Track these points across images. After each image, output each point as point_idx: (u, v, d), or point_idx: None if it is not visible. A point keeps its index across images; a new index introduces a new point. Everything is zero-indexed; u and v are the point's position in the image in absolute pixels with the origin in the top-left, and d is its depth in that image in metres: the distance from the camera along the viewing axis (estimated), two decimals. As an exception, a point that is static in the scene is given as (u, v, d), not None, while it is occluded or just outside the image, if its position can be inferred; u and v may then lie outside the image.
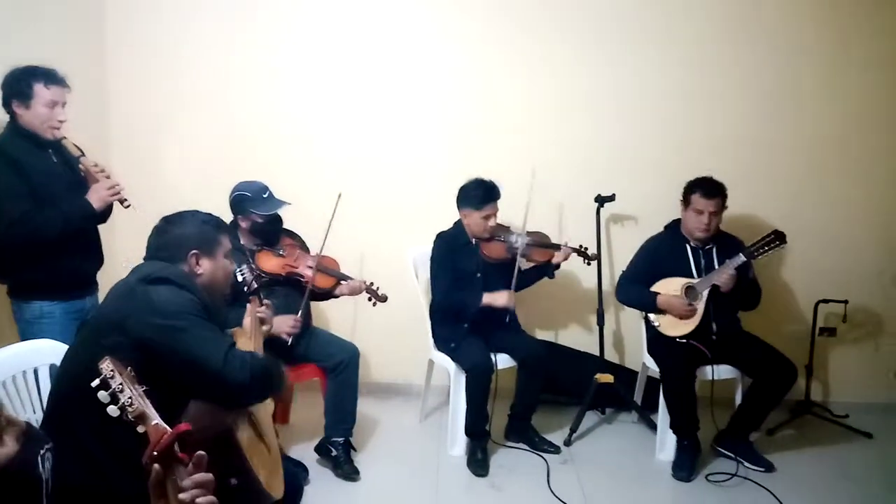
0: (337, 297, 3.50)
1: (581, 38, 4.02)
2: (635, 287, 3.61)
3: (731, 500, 3.19)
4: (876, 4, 3.91)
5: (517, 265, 3.56)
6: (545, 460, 3.49)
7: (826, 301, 3.97)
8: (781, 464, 3.45)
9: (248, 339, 2.36)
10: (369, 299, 3.50)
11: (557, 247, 3.66)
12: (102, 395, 1.42)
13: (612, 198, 3.92)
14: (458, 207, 3.62)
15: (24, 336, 2.76)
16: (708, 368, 3.45)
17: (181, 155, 4.10)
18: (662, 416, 3.51)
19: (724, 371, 3.50)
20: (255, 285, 2.55)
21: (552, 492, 3.22)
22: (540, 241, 3.67)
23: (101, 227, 3.04)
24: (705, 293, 3.43)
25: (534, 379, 3.60)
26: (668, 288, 3.51)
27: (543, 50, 4.02)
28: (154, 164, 4.08)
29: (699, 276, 3.51)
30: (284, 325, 3.18)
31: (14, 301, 2.85)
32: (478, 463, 3.43)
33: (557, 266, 3.67)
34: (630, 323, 4.16)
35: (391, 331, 4.06)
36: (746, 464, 3.40)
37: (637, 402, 3.94)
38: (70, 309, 2.85)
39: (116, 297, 2.05)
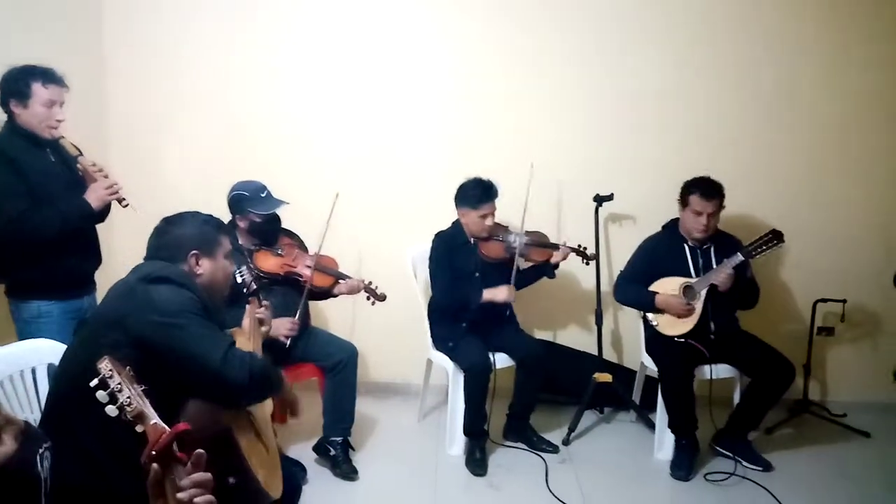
0: (335, 296, 3.50)
1: (580, 38, 4.02)
2: (633, 287, 3.62)
3: (730, 500, 3.19)
4: (875, 5, 3.91)
5: (516, 263, 3.56)
6: (543, 460, 3.49)
7: (824, 300, 3.97)
8: (780, 463, 3.45)
9: (246, 340, 2.36)
10: (368, 298, 3.50)
11: (556, 246, 3.66)
12: (101, 395, 1.42)
13: (610, 197, 3.92)
14: (456, 207, 3.62)
15: (22, 335, 2.76)
16: (706, 368, 3.45)
17: (180, 155, 4.10)
18: (661, 416, 3.52)
19: (722, 370, 3.50)
20: (255, 286, 2.55)
21: (550, 491, 3.22)
22: (538, 241, 3.67)
23: (99, 227, 3.03)
24: (703, 292, 3.43)
25: (532, 378, 3.61)
26: (667, 287, 3.52)
27: (543, 50, 4.02)
28: (153, 163, 4.09)
29: (697, 275, 3.51)
30: (282, 327, 3.18)
31: (12, 300, 2.85)
32: (476, 462, 3.43)
33: (556, 266, 3.67)
34: (628, 322, 4.17)
35: (389, 330, 4.06)
36: (745, 463, 3.41)
37: (635, 402, 3.95)
38: (68, 308, 2.85)
39: (116, 297, 2.05)
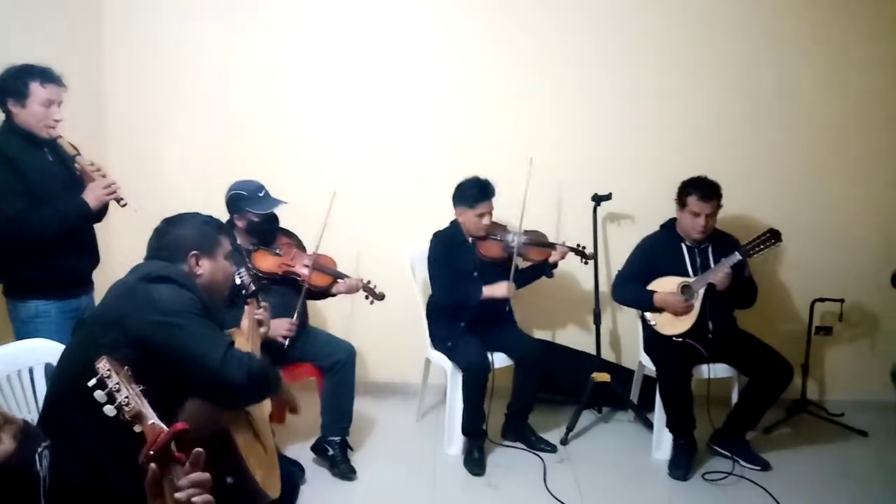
0: (334, 295, 3.50)
1: (580, 38, 4.02)
2: (631, 286, 3.62)
3: (728, 499, 3.19)
4: (875, 4, 3.92)
5: (514, 261, 3.56)
6: (542, 459, 3.50)
7: (822, 300, 3.97)
8: (777, 462, 3.45)
9: (245, 341, 2.37)
10: (366, 297, 3.50)
11: (554, 245, 3.66)
12: (99, 395, 1.42)
13: (608, 197, 3.92)
14: (454, 206, 3.63)
15: (20, 335, 2.76)
16: (704, 367, 3.45)
17: (179, 154, 4.10)
18: (659, 415, 3.52)
19: (720, 370, 3.51)
20: (253, 288, 2.55)
21: (549, 491, 3.22)
22: (537, 240, 3.67)
23: (97, 226, 3.03)
24: (701, 292, 3.43)
25: (530, 378, 3.61)
26: (664, 287, 3.52)
27: (542, 50, 4.03)
28: (152, 163, 4.09)
29: (695, 274, 3.51)
30: (281, 328, 3.18)
31: (9, 300, 2.85)
32: (474, 462, 3.43)
33: (555, 265, 3.67)
34: (627, 322, 4.17)
35: (388, 330, 4.06)
36: (743, 462, 3.41)
37: (633, 401, 3.95)
38: (66, 308, 2.84)
39: (116, 296, 2.06)
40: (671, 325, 3.49)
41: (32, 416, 2.13)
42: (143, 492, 1.37)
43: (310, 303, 3.54)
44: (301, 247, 3.51)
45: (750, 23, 3.96)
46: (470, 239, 3.62)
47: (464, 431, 3.52)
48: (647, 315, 3.57)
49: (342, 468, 3.30)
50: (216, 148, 4.06)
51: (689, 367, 3.41)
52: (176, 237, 2.17)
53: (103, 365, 1.45)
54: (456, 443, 3.57)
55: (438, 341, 3.65)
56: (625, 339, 4.23)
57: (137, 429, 1.40)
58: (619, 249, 3.99)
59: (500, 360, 3.58)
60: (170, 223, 2.21)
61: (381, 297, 3.51)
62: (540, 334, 4.21)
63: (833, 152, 4.05)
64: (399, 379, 4.24)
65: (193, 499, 1.35)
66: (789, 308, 4.14)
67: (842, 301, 3.93)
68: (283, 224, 3.48)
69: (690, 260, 3.55)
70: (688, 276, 3.52)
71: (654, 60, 4.01)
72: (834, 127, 4.03)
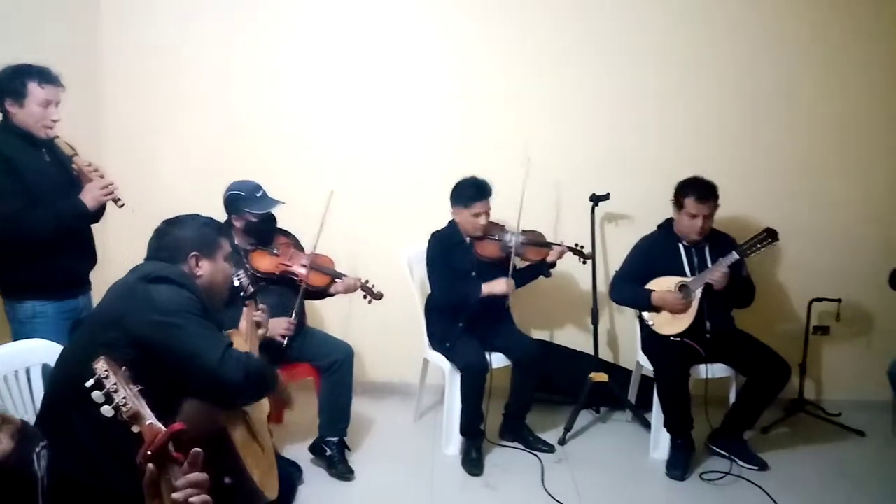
0: (332, 295, 3.50)
1: (579, 39, 4.02)
2: (629, 286, 3.62)
3: (725, 499, 3.20)
4: (875, 4, 3.92)
5: (512, 261, 3.56)
6: (539, 459, 3.50)
7: (820, 300, 3.98)
8: (775, 462, 3.46)
9: (243, 342, 2.37)
10: (364, 297, 3.50)
11: (552, 245, 3.66)
12: (97, 395, 1.42)
13: (606, 197, 3.93)
14: (451, 206, 3.63)
15: (17, 336, 2.75)
16: (702, 367, 3.46)
17: (178, 155, 4.10)
18: (656, 415, 3.52)
19: (717, 370, 3.51)
20: (252, 290, 2.55)
21: (546, 491, 3.22)
22: (534, 240, 3.67)
23: (94, 227, 3.02)
24: (699, 292, 3.44)
25: (528, 378, 3.61)
26: (662, 287, 3.52)
27: (541, 50, 4.03)
28: (150, 164, 4.08)
29: (692, 274, 3.51)
30: (279, 327, 3.18)
31: (7, 301, 2.84)
32: (472, 462, 3.43)
33: (553, 265, 3.67)
34: (624, 322, 4.17)
35: (386, 330, 4.06)
36: (740, 462, 3.41)
37: (631, 401, 3.95)
38: (63, 309, 2.84)
39: (115, 296, 2.06)
40: (669, 325, 3.49)
41: (30, 417, 2.13)
42: (141, 492, 1.37)
43: (308, 303, 3.54)
44: (299, 247, 3.51)
45: (749, 23, 3.97)
46: (468, 239, 3.62)
47: (462, 431, 3.52)
48: (645, 315, 3.58)
49: (340, 468, 3.30)
50: (214, 148, 4.05)
51: (686, 366, 3.42)
52: (176, 238, 2.17)
53: (101, 365, 1.45)
54: (454, 443, 3.57)
55: (436, 341, 3.65)
56: (622, 339, 4.24)
57: (135, 429, 1.40)
58: (616, 249, 3.99)
59: (498, 360, 3.58)
60: (170, 224, 2.22)
61: (379, 296, 3.51)
62: (538, 334, 4.21)
63: (832, 152, 4.06)
64: (397, 379, 4.24)
65: (191, 499, 1.35)
66: (787, 308, 4.14)
67: (839, 301, 3.95)
68: (282, 224, 3.48)
69: (688, 260, 3.55)
70: (685, 276, 3.52)
71: (652, 60, 4.01)
72: (833, 127, 4.03)
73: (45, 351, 2.27)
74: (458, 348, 3.50)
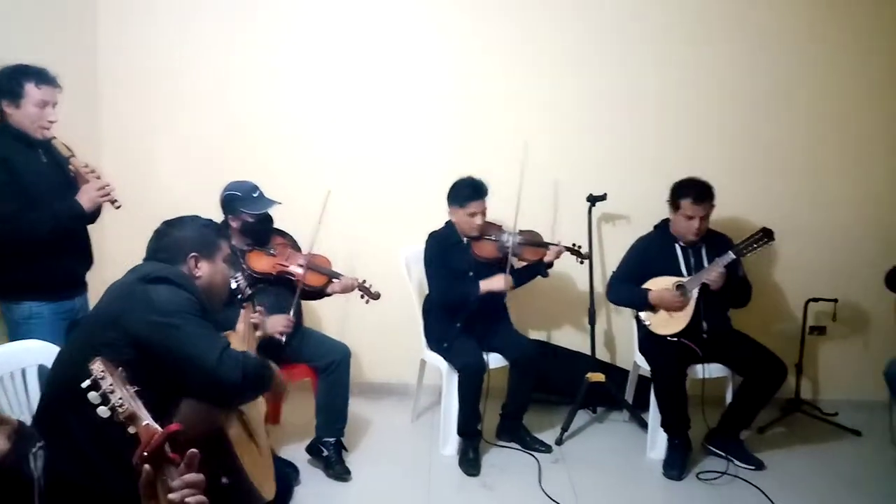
0: (329, 295, 3.50)
1: (577, 39, 4.03)
2: (626, 286, 3.62)
3: (722, 499, 3.20)
4: (874, 4, 3.93)
5: (510, 261, 3.57)
6: (536, 459, 3.50)
7: (816, 300, 3.99)
8: (771, 462, 3.46)
9: (241, 344, 2.37)
10: (362, 297, 3.50)
11: (549, 245, 3.66)
12: (93, 396, 1.42)
13: (603, 197, 3.93)
14: (448, 206, 3.63)
15: (13, 337, 2.75)
16: (699, 367, 3.46)
17: (176, 155, 4.10)
18: (653, 415, 3.52)
19: (714, 370, 3.51)
20: (249, 292, 2.55)
21: (543, 491, 3.22)
22: (531, 240, 3.67)
23: (90, 228, 3.02)
24: (695, 291, 3.44)
25: (526, 378, 3.61)
26: (659, 287, 3.52)
27: (539, 50, 4.04)
28: (148, 164, 4.08)
29: (689, 274, 3.51)
30: (278, 324, 3.18)
31: (3, 302, 2.84)
32: (469, 462, 3.43)
33: (550, 265, 3.67)
34: (621, 322, 4.18)
35: (383, 330, 4.06)
36: (737, 462, 3.42)
37: (628, 401, 3.95)
38: (59, 310, 2.84)
39: (114, 297, 2.06)
40: (666, 325, 3.49)
41: (26, 418, 2.12)
42: (137, 493, 1.37)
43: (305, 303, 3.53)
44: (296, 247, 3.50)
45: (748, 23, 3.98)
46: (465, 239, 3.63)
47: (459, 432, 3.52)
48: (642, 315, 3.58)
49: (337, 469, 3.29)
50: (213, 149, 4.05)
51: (683, 366, 3.42)
52: (176, 239, 2.18)
53: (97, 366, 1.45)
54: (451, 443, 3.57)
55: (434, 342, 3.65)
56: (619, 339, 4.24)
57: (131, 430, 1.40)
58: (613, 250, 3.99)
59: (495, 360, 3.58)
60: (170, 225, 2.23)
61: (376, 296, 3.51)
62: (535, 335, 4.22)
63: (830, 152, 4.07)
64: (394, 380, 4.24)
65: (187, 499, 1.35)
66: (783, 308, 4.15)
67: (836, 301, 3.96)
68: (282, 224, 3.48)
69: (684, 260, 3.56)
70: (682, 276, 3.52)
71: (651, 61, 4.02)
72: (831, 127, 4.05)
73: (41, 352, 2.26)
74: (456, 349, 3.50)
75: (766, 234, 3.38)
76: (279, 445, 3.46)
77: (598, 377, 3.80)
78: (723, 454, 3.45)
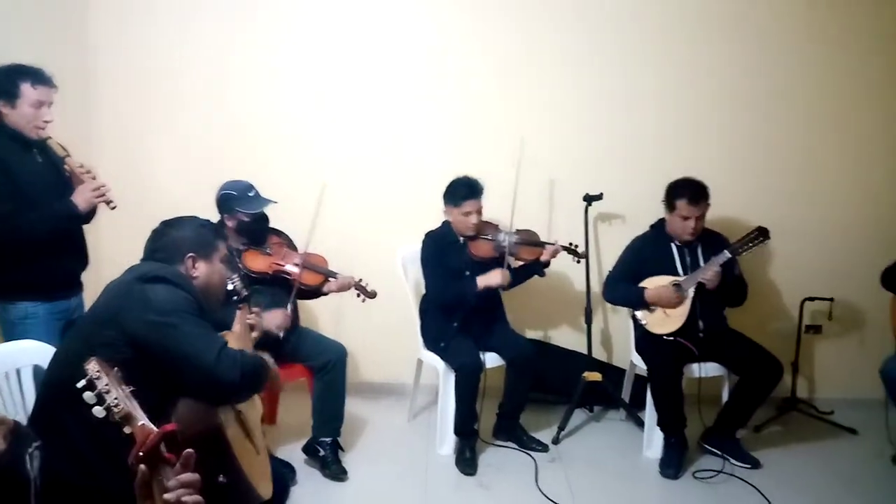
0: (326, 294, 3.49)
1: (574, 38, 4.03)
2: (622, 285, 3.62)
3: (718, 497, 3.21)
4: (874, 4, 3.94)
5: (507, 260, 3.57)
6: (533, 459, 3.50)
7: (812, 299, 4.00)
8: (768, 460, 3.47)
9: (237, 344, 2.36)
10: (358, 295, 3.49)
11: (545, 244, 3.66)
12: (88, 396, 1.42)
13: (599, 196, 3.93)
14: (444, 205, 3.63)
15: (8, 337, 2.75)
16: (695, 366, 3.47)
17: (174, 156, 4.09)
18: (650, 414, 3.53)
19: (710, 369, 3.52)
20: (245, 293, 2.54)
21: (540, 490, 3.23)
22: (528, 239, 3.67)
23: (86, 228, 3.01)
24: (691, 291, 3.45)
25: (522, 378, 3.61)
26: (655, 286, 3.53)
27: (537, 50, 4.04)
28: (145, 165, 4.08)
29: (685, 273, 3.52)
30: (275, 319, 3.17)
31: (-2, 302, 2.84)
32: (466, 462, 3.43)
33: (547, 264, 3.67)
34: (618, 321, 4.18)
35: (380, 330, 4.06)
36: (733, 461, 3.42)
37: (625, 400, 3.96)
38: (54, 310, 2.83)
39: (111, 296, 2.06)
40: (662, 324, 3.50)
41: (21, 419, 2.12)
42: (134, 492, 1.37)
43: (301, 303, 3.53)
44: (292, 246, 3.50)
45: (745, 21, 3.98)
46: (461, 238, 3.62)
47: (456, 431, 3.52)
48: (638, 314, 3.58)
49: (333, 469, 3.29)
50: (209, 149, 4.04)
51: (679, 365, 3.42)
52: (173, 239, 2.18)
53: (93, 366, 1.45)
54: (448, 443, 3.57)
55: (430, 341, 3.65)
56: (616, 338, 4.25)
57: (127, 430, 1.40)
58: (610, 249, 4.00)
59: (492, 359, 3.58)
60: (168, 225, 2.23)
61: (372, 294, 3.51)
62: (532, 334, 4.22)
63: (826, 152, 4.07)
64: (391, 379, 4.24)
65: (184, 499, 1.34)
66: (779, 307, 4.16)
67: (831, 300, 3.96)
68: (283, 224, 3.48)
69: (680, 259, 3.56)
70: (678, 275, 3.53)
71: (648, 61, 4.03)
72: (828, 127, 4.05)
73: (36, 352, 2.26)
74: (453, 348, 3.50)
75: (762, 233, 3.39)
76: (275, 445, 3.46)
77: (594, 376, 3.80)
78: (719, 453, 3.46)
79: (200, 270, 2.18)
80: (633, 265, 3.63)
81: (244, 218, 3.29)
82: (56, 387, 1.97)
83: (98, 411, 1.41)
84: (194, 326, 1.99)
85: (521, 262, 3.70)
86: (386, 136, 4.12)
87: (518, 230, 3.65)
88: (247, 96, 4.09)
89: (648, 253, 3.62)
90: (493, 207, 3.64)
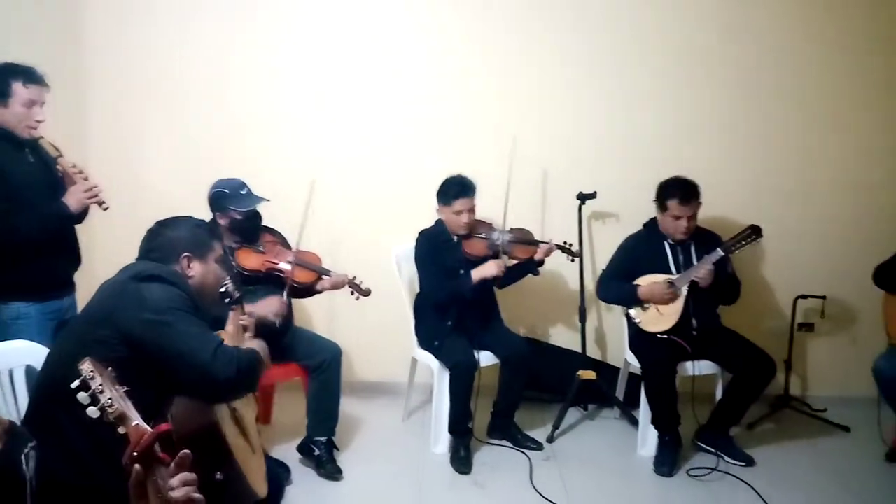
0: (320, 292, 3.48)
1: (568, 38, 4.04)
2: (615, 283, 3.63)
3: (712, 495, 3.22)
4: (870, 6, 3.95)
5: (501, 258, 3.56)
6: (528, 457, 3.50)
7: (805, 297, 4.02)
8: (761, 458, 3.48)
9: (230, 344, 2.35)
10: (352, 293, 3.49)
11: (539, 243, 3.66)
12: (82, 397, 1.41)
13: (593, 195, 3.94)
14: (437, 204, 3.63)
15: (1, 337, 2.72)
16: (688, 364, 3.48)
17: (168, 156, 4.08)
18: (644, 412, 3.54)
19: (704, 367, 3.53)
20: (238, 295, 2.54)
21: (535, 488, 3.23)
22: (522, 238, 3.67)
23: (78, 228, 3.00)
24: (685, 289, 3.45)
25: (517, 376, 3.61)
26: (648, 283, 3.53)
27: (531, 49, 4.05)
28: (140, 165, 4.07)
29: (678, 272, 3.52)
30: (271, 306, 3.15)
31: (-10, 302, 2.82)
32: (461, 460, 3.43)
33: (541, 263, 3.67)
34: (612, 320, 4.19)
35: (374, 329, 4.06)
36: (727, 458, 3.44)
37: (619, 399, 3.96)
38: (46, 310, 2.82)
39: (106, 295, 2.06)
40: (656, 323, 3.51)
41: (13, 419, 2.11)
42: (130, 491, 1.37)
43: (295, 303, 3.52)
44: (285, 244, 3.49)
45: (741, 21, 3.99)
46: (455, 237, 3.62)
47: (450, 430, 3.52)
48: (632, 312, 3.59)
49: (328, 468, 3.29)
50: (206, 149, 4.03)
51: (673, 364, 3.43)
52: (169, 239, 2.18)
53: (86, 366, 1.44)
54: (442, 441, 3.57)
55: (425, 340, 3.65)
56: (610, 336, 4.25)
57: (121, 431, 1.40)
58: (604, 248, 4.00)
59: (486, 358, 3.58)
60: (163, 225, 2.23)
61: (367, 292, 3.50)
62: (526, 332, 4.22)
63: (818, 151, 4.09)
64: (385, 378, 4.23)
65: (193, 495, 1.34)
66: (772, 305, 4.17)
67: (824, 298, 3.98)
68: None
69: (673, 258, 3.57)
70: (671, 273, 3.53)
71: (642, 60, 4.03)
72: (821, 127, 4.07)
73: (28, 352, 2.25)
74: (447, 347, 3.50)
75: (754, 231, 3.40)
76: (270, 445, 3.45)
77: (588, 375, 3.80)
78: (713, 450, 3.47)
79: (195, 270, 2.18)
80: (626, 264, 3.64)
81: (237, 216, 3.28)
82: (50, 387, 1.96)
83: (92, 412, 1.40)
84: (189, 325, 1.98)
85: (515, 261, 3.70)
86: (383, 135, 4.12)
87: (512, 229, 3.65)
88: (246, 96, 4.08)
89: (641, 251, 3.62)
90: (487, 206, 3.64)
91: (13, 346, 2.32)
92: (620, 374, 3.97)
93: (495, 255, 3.57)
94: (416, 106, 4.10)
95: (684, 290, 3.45)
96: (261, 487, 2.13)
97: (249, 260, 3.29)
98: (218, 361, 1.95)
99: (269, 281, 3.33)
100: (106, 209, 2.82)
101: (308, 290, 3.47)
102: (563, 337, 4.22)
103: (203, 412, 1.98)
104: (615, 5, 4.01)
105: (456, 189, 3.53)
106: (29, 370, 2.21)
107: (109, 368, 1.48)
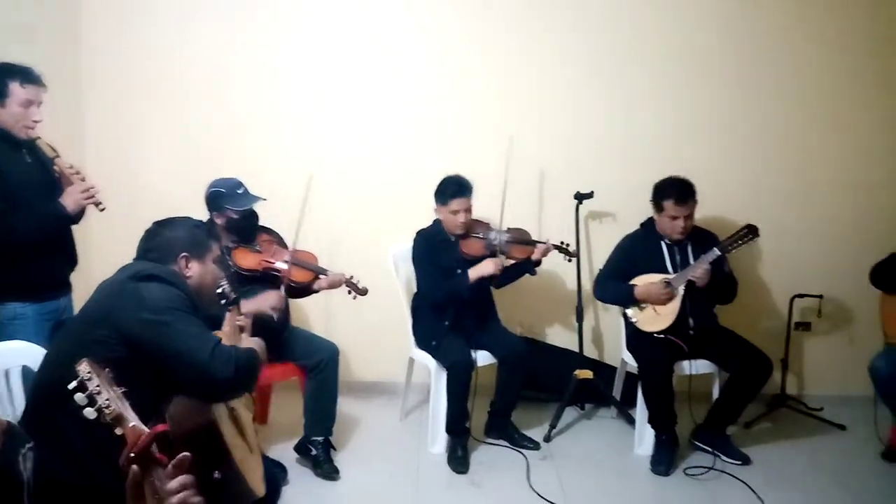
0: (316, 291, 3.48)
1: (566, 39, 4.05)
2: (612, 282, 3.63)
3: (709, 493, 3.22)
4: (870, 6, 3.96)
5: (498, 257, 3.57)
6: (525, 456, 3.51)
7: (801, 296, 4.02)
8: (758, 457, 3.49)
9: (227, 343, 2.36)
10: (349, 292, 3.49)
11: (537, 243, 3.66)
12: (79, 398, 1.41)
13: (590, 195, 3.94)
14: (434, 204, 3.63)
15: (-3, 338, 2.73)
16: (685, 363, 3.48)
17: (167, 156, 4.08)
18: (641, 411, 3.54)
19: (701, 366, 3.53)
20: (234, 296, 2.54)
21: (532, 488, 3.23)
22: (519, 238, 3.68)
23: (75, 228, 2.99)
24: (681, 288, 3.46)
25: (514, 376, 3.62)
26: (645, 283, 3.54)
27: (529, 49, 4.06)
28: (138, 165, 4.06)
29: (675, 272, 3.53)
30: (269, 300, 3.15)
31: (-13, 303, 2.82)
32: (458, 460, 3.43)
33: (538, 263, 3.68)
34: (609, 319, 4.19)
35: (371, 329, 4.06)
36: (723, 457, 3.44)
37: (616, 398, 3.97)
38: (43, 310, 2.81)
39: (104, 295, 2.06)
40: (653, 322, 3.51)
41: (10, 419, 2.11)
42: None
43: (292, 302, 3.52)
44: (282, 244, 3.49)
45: (741, 21, 3.99)
46: (453, 237, 3.63)
47: (447, 430, 3.52)
48: (629, 312, 3.59)
49: (325, 468, 3.29)
50: (205, 149, 4.03)
51: (670, 363, 3.44)
52: (167, 239, 2.19)
53: (84, 367, 1.44)
54: (439, 441, 3.57)
55: (422, 340, 3.65)
56: (607, 336, 4.26)
57: (118, 431, 1.40)
58: (601, 247, 4.00)
59: (483, 358, 3.58)
60: (161, 225, 2.24)
61: (364, 291, 3.50)
62: (523, 332, 4.22)
63: (816, 151, 4.09)
64: (382, 378, 4.24)
65: (190, 500, 1.34)
66: (769, 304, 4.18)
67: (821, 297, 3.99)
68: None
69: (670, 257, 3.57)
70: (668, 273, 3.54)
71: (641, 60, 4.04)
72: (819, 126, 4.07)
73: (25, 353, 2.25)
74: (444, 346, 3.50)
75: (751, 231, 3.40)
76: (267, 445, 3.45)
77: (585, 374, 3.81)
78: (709, 449, 3.48)
79: (193, 270, 2.19)
80: (623, 263, 3.64)
81: (233, 215, 3.28)
82: (48, 387, 1.96)
83: (89, 412, 1.41)
84: (188, 324, 1.99)
85: (512, 261, 3.71)
86: (382, 135, 4.12)
87: (509, 229, 3.65)
88: (246, 96, 4.08)
89: (638, 251, 3.63)
90: (484, 206, 3.65)
91: (10, 347, 2.32)
92: (617, 373, 3.98)
93: (492, 255, 3.57)
94: (415, 106, 4.10)
95: (681, 290, 3.46)
96: (258, 487, 2.13)
97: (246, 259, 3.30)
98: (216, 361, 1.95)
99: (266, 280, 3.33)
100: (102, 210, 2.81)
101: (305, 290, 3.47)
102: (560, 336, 4.23)
103: (201, 411, 1.98)
104: (615, 5, 4.02)
105: (453, 189, 3.54)
106: (25, 371, 2.21)
107: (107, 369, 1.48)
